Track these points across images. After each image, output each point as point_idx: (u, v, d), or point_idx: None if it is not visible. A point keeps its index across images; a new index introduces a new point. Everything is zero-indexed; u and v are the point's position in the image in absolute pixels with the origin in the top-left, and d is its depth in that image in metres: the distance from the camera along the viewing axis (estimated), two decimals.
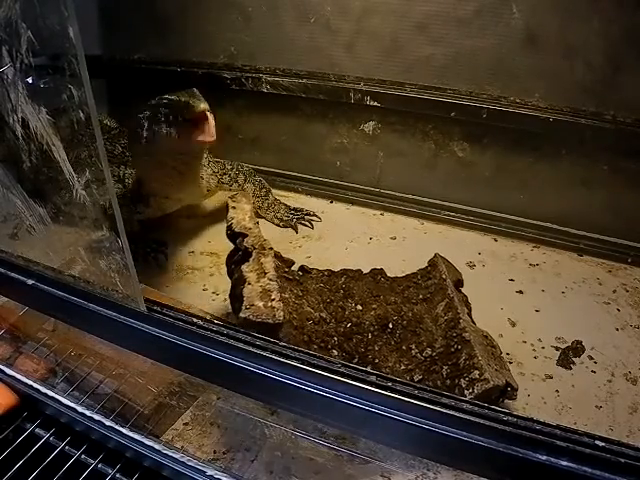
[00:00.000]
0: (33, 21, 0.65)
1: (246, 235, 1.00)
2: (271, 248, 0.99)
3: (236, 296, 0.96)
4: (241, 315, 0.84)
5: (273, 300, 0.87)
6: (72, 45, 0.57)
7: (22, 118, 0.71)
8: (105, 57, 1.74)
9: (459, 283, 1.12)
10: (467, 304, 1.08)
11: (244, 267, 0.95)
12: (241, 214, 1.06)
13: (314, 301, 1.07)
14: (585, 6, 1.17)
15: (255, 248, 0.97)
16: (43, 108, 0.70)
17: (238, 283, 0.95)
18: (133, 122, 1.19)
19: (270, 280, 0.92)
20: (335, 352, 0.99)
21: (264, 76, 1.53)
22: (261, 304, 0.86)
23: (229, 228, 1.04)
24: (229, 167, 1.48)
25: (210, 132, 1.08)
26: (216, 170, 1.45)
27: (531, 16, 1.22)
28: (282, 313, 0.86)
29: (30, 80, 0.69)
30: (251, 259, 0.96)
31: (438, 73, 1.37)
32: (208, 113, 1.08)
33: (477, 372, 0.88)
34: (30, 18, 0.65)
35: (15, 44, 0.66)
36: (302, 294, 1.07)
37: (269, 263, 0.95)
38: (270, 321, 0.84)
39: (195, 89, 1.15)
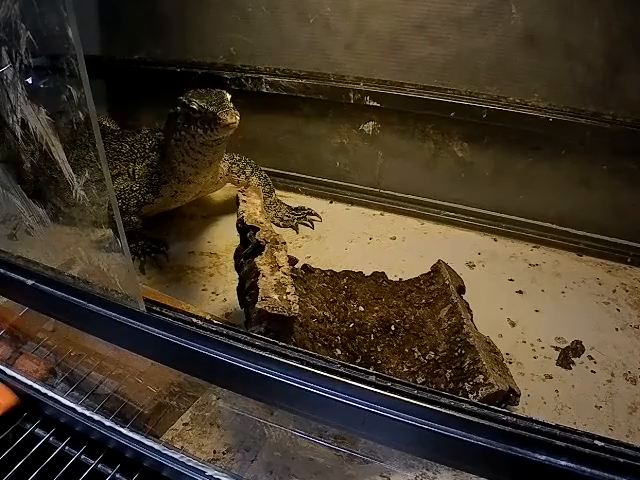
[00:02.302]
0: (32, 21, 0.65)
1: (257, 229, 0.99)
2: (284, 243, 0.98)
3: (245, 289, 0.95)
4: (257, 306, 0.83)
5: (288, 294, 0.86)
6: (71, 45, 0.57)
7: (22, 119, 0.71)
8: (105, 57, 1.74)
9: (461, 289, 1.12)
10: (469, 310, 1.08)
11: (257, 259, 0.93)
12: (252, 208, 1.05)
13: (317, 300, 1.07)
14: (585, 6, 1.17)
15: (267, 242, 0.96)
16: (42, 108, 0.70)
17: (248, 276, 0.94)
18: (168, 116, 1.28)
19: (284, 274, 0.90)
20: (338, 351, 0.99)
21: (264, 76, 1.53)
22: (276, 297, 0.85)
23: (240, 221, 1.03)
24: (237, 158, 1.51)
25: (234, 128, 1.17)
26: (226, 159, 1.48)
27: (531, 16, 1.22)
28: (297, 307, 0.85)
29: (30, 80, 0.69)
30: (264, 252, 0.95)
31: (438, 73, 1.38)
32: (235, 120, 1.15)
33: (482, 376, 0.88)
34: (30, 18, 0.65)
35: (15, 44, 0.66)
36: (306, 292, 1.07)
37: (282, 257, 0.94)
38: (286, 314, 0.83)
39: (224, 93, 1.20)
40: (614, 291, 1.27)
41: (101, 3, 1.70)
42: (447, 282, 1.09)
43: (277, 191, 1.58)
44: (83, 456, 0.91)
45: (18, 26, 0.65)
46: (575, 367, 1.07)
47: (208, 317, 0.75)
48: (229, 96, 1.20)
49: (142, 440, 0.89)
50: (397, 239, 1.47)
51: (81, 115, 0.63)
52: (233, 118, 1.14)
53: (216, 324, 0.71)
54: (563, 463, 0.53)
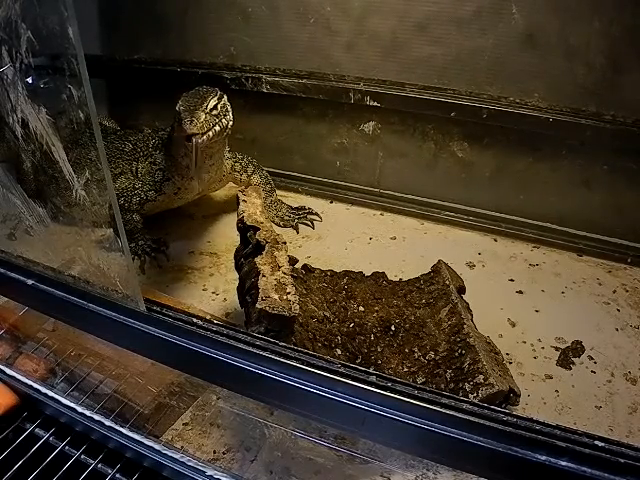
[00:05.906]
0: (33, 21, 0.65)
1: (258, 229, 0.99)
2: (284, 242, 0.98)
3: (245, 289, 0.95)
4: (257, 306, 0.83)
5: (289, 293, 0.86)
6: (72, 45, 0.57)
7: (22, 118, 0.71)
8: (105, 57, 1.74)
9: (461, 290, 1.12)
10: (469, 310, 1.08)
11: (258, 259, 0.93)
12: (252, 208, 1.05)
13: (317, 300, 1.07)
14: (585, 6, 1.17)
15: (267, 242, 0.96)
16: (43, 108, 0.70)
17: (249, 275, 0.94)
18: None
19: (284, 274, 0.90)
20: (339, 351, 0.99)
21: (264, 76, 1.53)
22: (277, 296, 0.85)
23: (240, 221, 1.02)
24: (240, 157, 1.51)
25: (203, 140, 1.14)
26: (229, 157, 1.48)
27: (531, 16, 1.22)
28: (298, 307, 0.85)
29: (30, 80, 0.69)
30: (264, 252, 0.94)
31: (438, 73, 1.38)
32: (198, 131, 1.12)
33: (482, 377, 0.88)
34: (30, 18, 0.65)
35: (15, 44, 0.66)
36: (306, 292, 1.07)
37: (283, 257, 0.94)
38: (286, 314, 0.83)
39: (209, 99, 1.19)
40: (614, 291, 1.27)
41: (101, 3, 1.70)
42: (447, 282, 1.09)
43: (277, 191, 1.58)
44: (83, 456, 0.91)
45: (18, 25, 0.65)
46: (575, 367, 1.07)
47: (208, 317, 0.75)
48: (214, 102, 1.19)
49: (142, 440, 0.89)
50: (397, 239, 1.47)
51: (81, 115, 0.63)
52: (196, 129, 1.11)
53: (216, 324, 0.71)
54: (563, 463, 0.53)
